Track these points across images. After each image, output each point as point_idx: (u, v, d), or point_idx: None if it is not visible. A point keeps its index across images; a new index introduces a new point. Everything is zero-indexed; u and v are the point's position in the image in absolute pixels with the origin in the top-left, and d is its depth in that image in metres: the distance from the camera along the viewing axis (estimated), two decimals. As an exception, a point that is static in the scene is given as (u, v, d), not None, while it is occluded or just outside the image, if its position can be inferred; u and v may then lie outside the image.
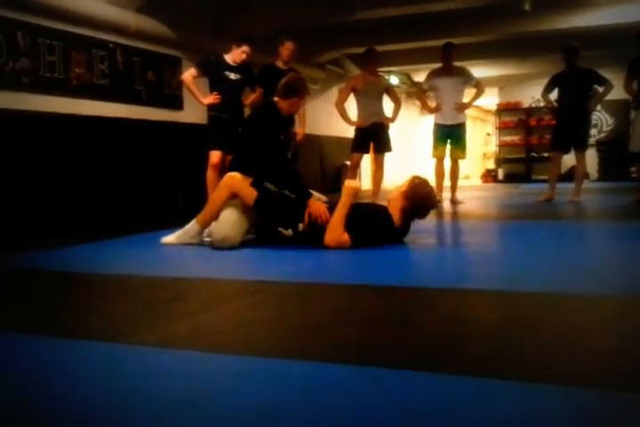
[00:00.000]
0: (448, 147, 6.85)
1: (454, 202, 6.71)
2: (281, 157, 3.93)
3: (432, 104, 7.07)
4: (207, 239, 3.81)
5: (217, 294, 2.42)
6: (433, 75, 6.88)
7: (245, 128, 4.19)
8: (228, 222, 3.63)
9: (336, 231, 3.43)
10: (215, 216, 3.72)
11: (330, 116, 9.06)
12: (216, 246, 3.61)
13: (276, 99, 4.03)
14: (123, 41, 5.92)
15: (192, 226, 3.80)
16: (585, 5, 8.19)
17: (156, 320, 2.00)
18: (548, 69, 11.50)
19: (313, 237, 3.50)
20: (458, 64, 6.93)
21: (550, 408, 1.20)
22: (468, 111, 7.14)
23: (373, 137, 6.54)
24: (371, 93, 6.45)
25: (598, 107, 11.69)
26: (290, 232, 3.60)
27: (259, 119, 4.05)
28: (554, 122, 7.15)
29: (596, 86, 6.66)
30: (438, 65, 6.90)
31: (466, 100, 6.89)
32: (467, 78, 6.73)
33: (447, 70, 6.73)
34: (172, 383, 1.39)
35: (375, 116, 6.49)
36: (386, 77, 8.98)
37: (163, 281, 2.69)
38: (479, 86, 6.85)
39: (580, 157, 6.80)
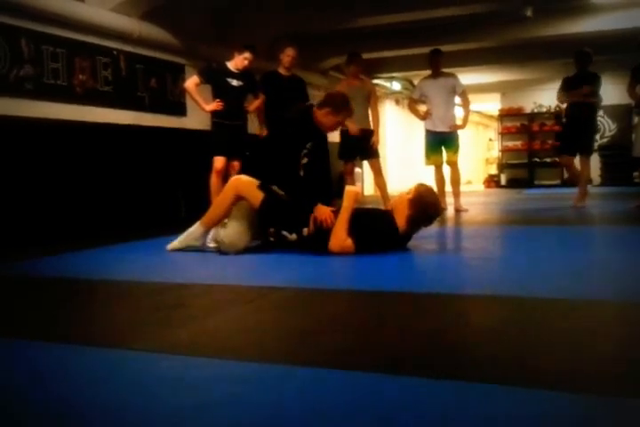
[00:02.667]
0: (443, 153, 6.83)
1: (459, 210, 6.65)
2: (292, 164, 3.87)
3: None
4: (211, 244, 3.82)
5: (220, 299, 2.42)
6: (422, 83, 6.90)
7: (274, 127, 4.15)
8: (237, 228, 3.64)
9: (340, 236, 3.44)
10: (220, 219, 3.72)
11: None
12: (222, 251, 3.63)
13: (315, 107, 3.98)
14: (126, 48, 5.94)
15: (196, 228, 3.78)
16: (587, 11, 8.22)
17: (158, 326, 2.01)
18: (550, 75, 11.55)
19: (317, 242, 3.51)
20: (447, 70, 6.92)
21: (550, 414, 1.20)
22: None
23: (357, 144, 6.36)
24: (355, 98, 6.38)
25: (600, 112, 11.73)
26: (294, 236, 3.60)
27: (288, 121, 4.01)
28: (556, 127, 7.18)
29: (600, 94, 6.70)
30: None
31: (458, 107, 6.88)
32: (455, 84, 6.72)
33: (435, 76, 6.74)
34: (174, 390, 1.39)
35: (359, 121, 6.39)
36: (372, 82, 8.94)
37: (165, 287, 2.69)
38: (464, 96, 6.81)
39: (584, 162, 6.82)
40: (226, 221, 3.72)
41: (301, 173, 3.96)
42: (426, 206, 3.52)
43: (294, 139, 3.90)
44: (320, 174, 4.11)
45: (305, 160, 3.97)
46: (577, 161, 7.06)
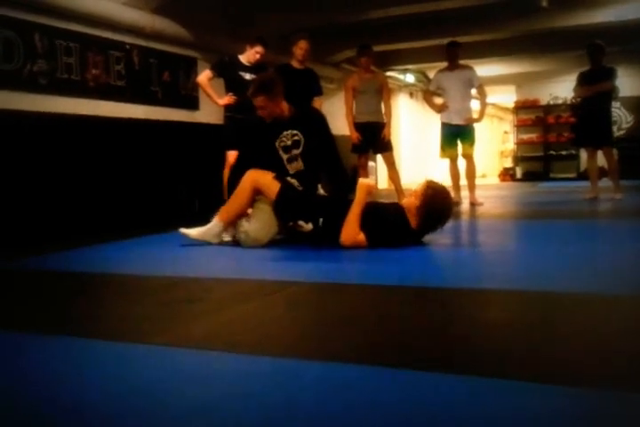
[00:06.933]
0: (459, 146, 6.78)
1: (474, 203, 6.60)
2: (272, 161, 3.87)
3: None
4: (227, 238, 3.81)
5: (234, 294, 2.42)
6: (438, 75, 6.85)
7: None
8: (263, 222, 3.63)
9: (352, 230, 3.41)
10: (239, 213, 3.69)
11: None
12: (244, 244, 3.61)
13: None
14: (139, 42, 5.94)
15: (215, 224, 3.73)
16: (603, 1, 8.09)
17: (172, 321, 2.00)
18: (565, 66, 11.42)
19: (332, 233, 3.47)
20: (464, 62, 6.86)
21: (562, 409, 1.18)
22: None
23: (370, 137, 6.33)
24: (367, 91, 6.34)
25: (617, 104, 11.58)
26: (309, 226, 3.56)
27: (249, 129, 4.13)
28: (572, 120, 7.13)
29: (617, 86, 6.62)
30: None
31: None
32: (472, 77, 6.66)
33: (452, 69, 6.69)
34: (188, 384, 1.38)
35: (371, 114, 6.34)
36: (384, 74, 8.85)
37: (179, 281, 2.69)
38: (481, 90, 6.76)
39: (608, 154, 6.76)
40: (246, 215, 3.71)
41: (297, 164, 3.94)
42: (435, 213, 3.41)
43: (257, 138, 3.97)
44: (329, 162, 4.06)
45: (295, 152, 3.92)
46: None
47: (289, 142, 3.92)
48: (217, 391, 1.33)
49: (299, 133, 3.92)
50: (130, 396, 1.33)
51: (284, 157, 3.93)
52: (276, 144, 3.91)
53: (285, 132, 3.92)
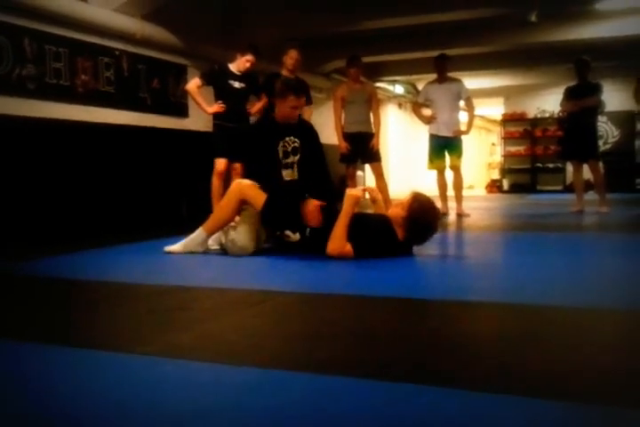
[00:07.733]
0: (447, 157, 6.81)
1: (461, 215, 6.62)
2: (269, 168, 3.86)
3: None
4: (214, 247, 3.79)
5: (221, 303, 2.40)
6: (427, 87, 6.91)
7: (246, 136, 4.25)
8: (249, 231, 3.62)
9: (339, 242, 3.38)
10: (224, 223, 3.68)
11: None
12: (231, 254, 3.59)
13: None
14: (129, 48, 5.93)
15: (199, 233, 3.73)
16: (591, 17, 8.21)
17: (160, 330, 1.98)
18: (553, 80, 11.55)
19: (319, 243, 3.45)
20: (452, 75, 6.91)
21: (549, 423, 1.18)
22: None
23: (358, 147, 6.34)
24: (356, 101, 6.38)
25: (604, 118, 11.71)
26: (297, 236, 3.55)
27: (253, 126, 4.06)
28: (559, 133, 7.20)
29: (603, 100, 6.73)
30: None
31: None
32: (460, 90, 6.71)
33: (441, 81, 6.74)
34: (175, 395, 1.36)
35: (360, 124, 6.36)
36: (373, 84, 8.91)
37: (167, 290, 2.66)
38: (469, 102, 6.80)
39: (594, 167, 6.83)
40: (233, 224, 3.70)
41: (292, 172, 3.93)
42: (421, 225, 3.41)
43: (259, 141, 3.92)
44: (318, 173, 4.05)
45: (292, 158, 3.93)
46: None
47: (289, 148, 3.93)
48: (204, 402, 1.31)
49: (298, 141, 3.94)
50: (116, 406, 1.31)
51: (282, 161, 3.93)
52: (279, 147, 3.91)
53: (288, 138, 3.93)
